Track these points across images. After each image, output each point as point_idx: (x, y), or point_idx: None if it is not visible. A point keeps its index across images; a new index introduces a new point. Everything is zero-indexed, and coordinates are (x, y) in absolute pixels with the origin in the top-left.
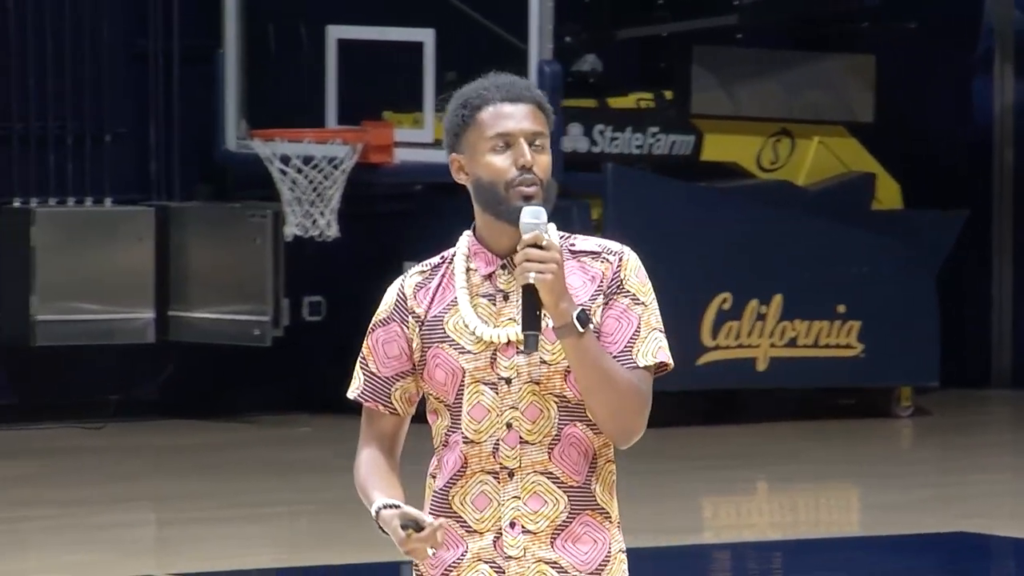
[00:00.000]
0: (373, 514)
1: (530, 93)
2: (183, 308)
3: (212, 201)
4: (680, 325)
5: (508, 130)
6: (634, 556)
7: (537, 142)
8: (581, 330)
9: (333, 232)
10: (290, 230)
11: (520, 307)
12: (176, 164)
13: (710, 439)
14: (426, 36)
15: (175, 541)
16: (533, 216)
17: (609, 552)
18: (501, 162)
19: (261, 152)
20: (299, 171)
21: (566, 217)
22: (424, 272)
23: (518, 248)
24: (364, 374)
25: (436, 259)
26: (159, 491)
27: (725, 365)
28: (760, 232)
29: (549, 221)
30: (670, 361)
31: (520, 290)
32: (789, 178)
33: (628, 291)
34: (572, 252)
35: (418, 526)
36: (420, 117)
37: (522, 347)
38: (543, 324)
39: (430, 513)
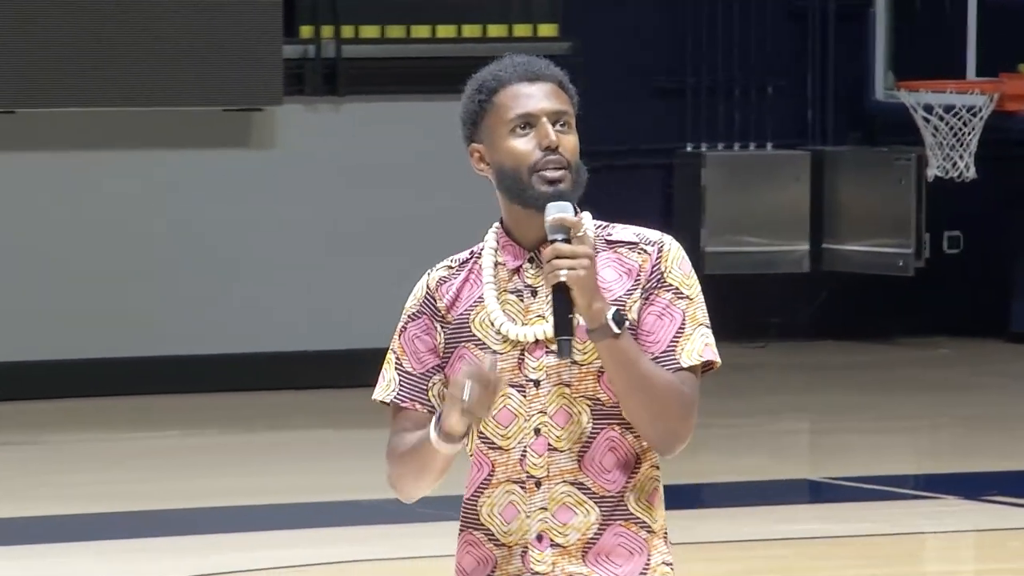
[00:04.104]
0: (433, 429)
1: (550, 71)
2: (835, 241)
3: (861, 146)
4: None
5: (529, 110)
6: None
7: (562, 122)
8: (617, 331)
9: (971, 174)
10: (932, 172)
11: (551, 309)
12: (830, 113)
13: None
14: None
15: (827, 449)
16: (560, 211)
17: (648, 565)
18: (523, 145)
19: (906, 101)
20: (941, 119)
21: None
22: (451, 268)
23: (543, 249)
24: (399, 375)
25: (464, 254)
26: (814, 404)
27: None
28: None
29: (582, 209)
30: (717, 359)
31: (550, 290)
32: None
33: (671, 285)
34: (608, 243)
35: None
36: None
37: (552, 346)
38: (575, 325)
39: (460, 525)
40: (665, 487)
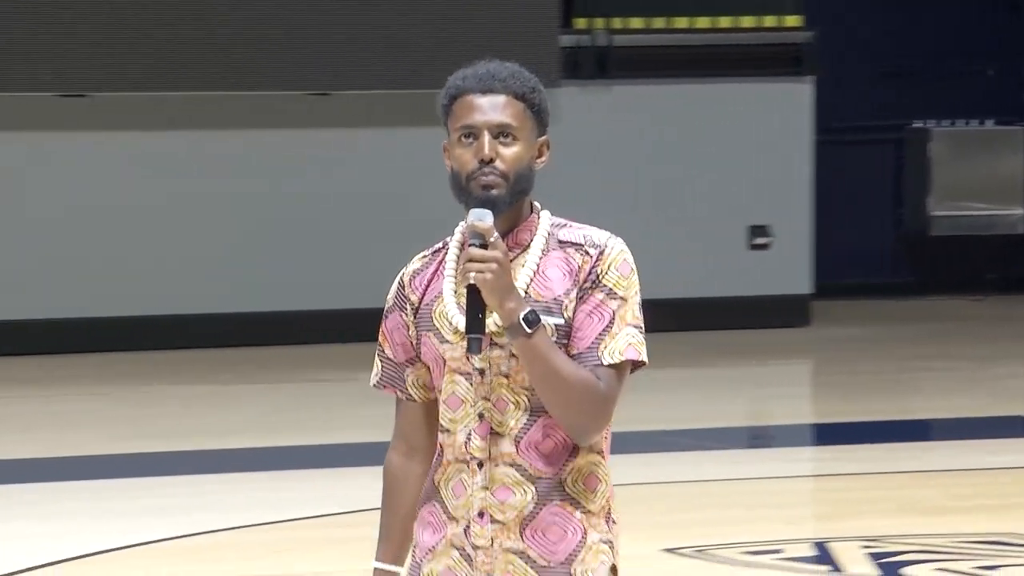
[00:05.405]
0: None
1: (505, 84)
2: None
3: None
4: None
5: (471, 122)
6: None
7: (505, 134)
8: (529, 331)
9: None
10: None
11: (465, 308)
12: None
13: None
14: None
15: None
16: (477, 219)
17: (583, 543)
18: (465, 154)
19: None
20: None
21: None
22: (425, 258)
23: (462, 250)
24: (381, 360)
25: (438, 244)
26: None
27: None
28: None
29: (544, 209)
30: (642, 358)
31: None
32: None
33: (605, 286)
34: (560, 242)
35: None
36: None
37: (496, 339)
38: (486, 323)
39: (422, 499)
40: (890, 423)
